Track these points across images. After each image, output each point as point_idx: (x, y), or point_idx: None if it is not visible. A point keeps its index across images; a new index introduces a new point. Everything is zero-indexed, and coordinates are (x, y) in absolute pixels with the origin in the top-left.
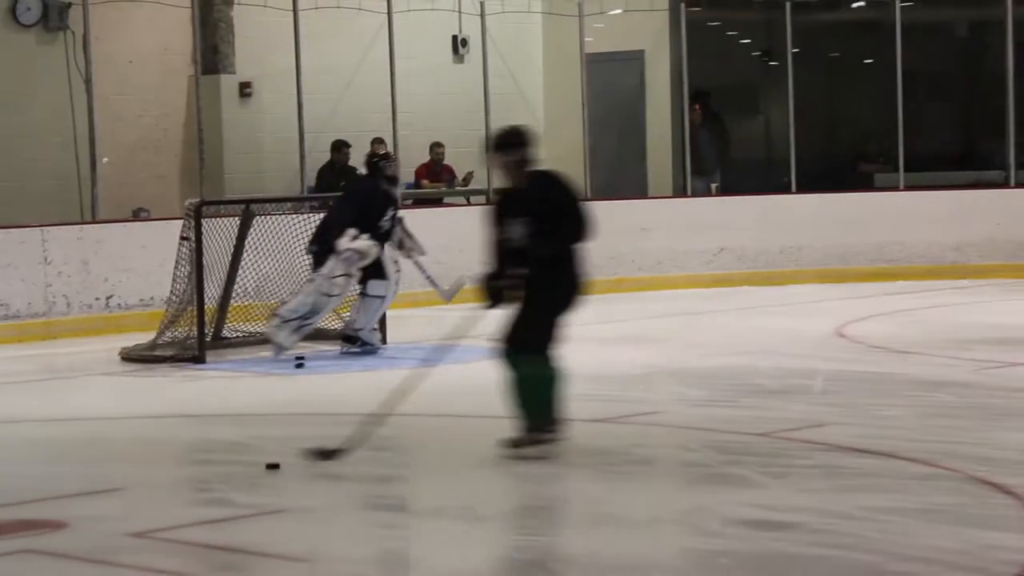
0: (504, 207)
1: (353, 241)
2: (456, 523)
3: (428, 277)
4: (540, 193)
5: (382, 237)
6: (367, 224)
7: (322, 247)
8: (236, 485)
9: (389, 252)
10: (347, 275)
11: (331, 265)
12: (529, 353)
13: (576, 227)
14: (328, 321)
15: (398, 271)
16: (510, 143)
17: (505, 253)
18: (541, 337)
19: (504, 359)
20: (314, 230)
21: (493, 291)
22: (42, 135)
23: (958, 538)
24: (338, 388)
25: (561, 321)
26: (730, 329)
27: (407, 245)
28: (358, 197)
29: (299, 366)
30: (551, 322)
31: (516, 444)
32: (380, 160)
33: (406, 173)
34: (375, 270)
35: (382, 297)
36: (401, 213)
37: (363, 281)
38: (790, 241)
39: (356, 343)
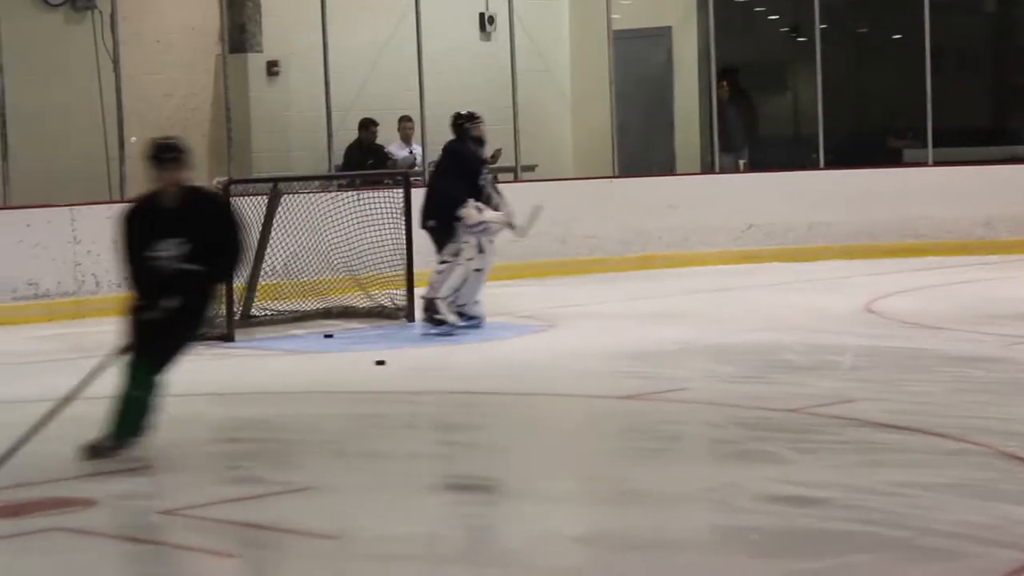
0: (148, 224)
1: (481, 213)
2: (485, 500)
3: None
4: (198, 213)
5: (479, 199)
6: (473, 188)
7: (441, 220)
8: (265, 463)
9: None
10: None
11: (463, 241)
12: (154, 372)
13: (234, 254)
14: (358, 299)
15: (491, 241)
16: (173, 158)
17: (152, 276)
18: (170, 359)
19: (131, 370)
20: (423, 203)
21: (139, 326)
22: (70, 115)
23: (988, 513)
24: (366, 366)
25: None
26: (758, 305)
27: (494, 201)
28: (458, 163)
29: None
30: (183, 346)
31: (96, 451)
32: (466, 122)
33: (432, 150)
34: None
35: (481, 270)
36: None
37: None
38: (818, 217)
39: (464, 317)
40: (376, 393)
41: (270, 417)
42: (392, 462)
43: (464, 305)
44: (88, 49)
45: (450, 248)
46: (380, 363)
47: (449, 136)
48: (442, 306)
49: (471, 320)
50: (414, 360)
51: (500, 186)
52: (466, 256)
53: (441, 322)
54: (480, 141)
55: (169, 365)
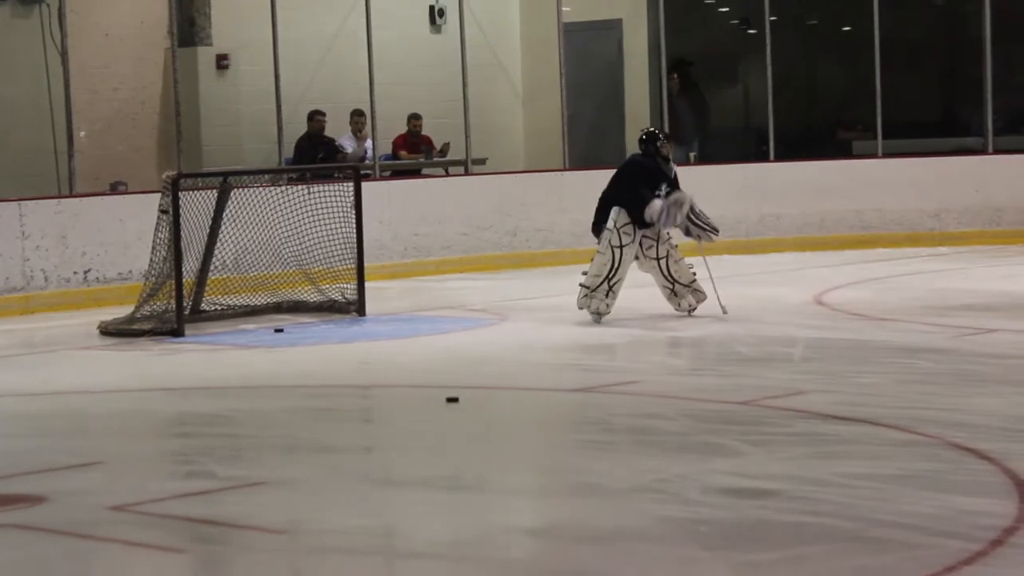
0: None
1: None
2: (438, 493)
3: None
4: None
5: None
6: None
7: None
8: (216, 458)
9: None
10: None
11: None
12: None
13: None
14: (308, 294)
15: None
16: None
17: None
18: None
19: None
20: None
21: None
22: (18, 109)
23: (936, 503)
24: (317, 360)
25: None
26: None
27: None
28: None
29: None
30: None
31: None
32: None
33: (383, 144)
34: None
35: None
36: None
37: None
38: (769, 209)
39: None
40: (328, 387)
41: (221, 412)
42: (345, 456)
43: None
44: (36, 42)
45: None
46: (452, 400)
47: (394, 130)
48: (580, 294)
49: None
50: (365, 354)
51: (455, 179)
52: (608, 240)
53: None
54: (668, 159)
55: None
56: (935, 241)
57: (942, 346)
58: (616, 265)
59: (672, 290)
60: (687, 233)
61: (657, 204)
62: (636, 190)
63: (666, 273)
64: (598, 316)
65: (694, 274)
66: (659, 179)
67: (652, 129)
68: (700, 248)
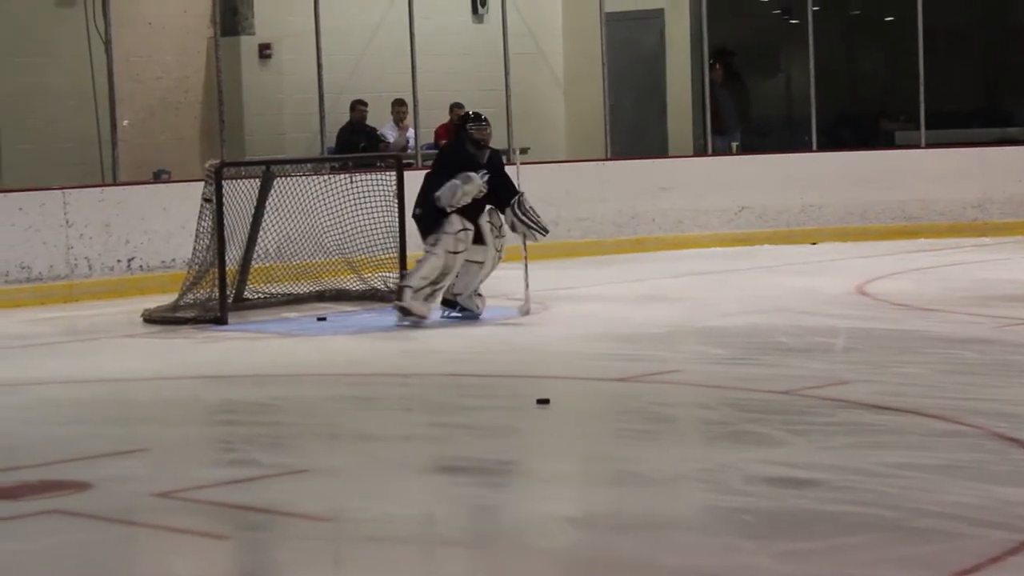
0: None
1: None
2: (478, 482)
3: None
4: None
5: (482, 201)
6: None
7: (424, 210)
8: (259, 445)
9: (489, 218)
10: (464, 229)
11: (443, 232)
12: None
13: None
14: (351, 282)
15: (500, 237)
16: None
17: None
18: None
19: None
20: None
21: None
22: (62, 97)
23: (979, 494)
24: (359, 348)
25: None
26: (751, 288)
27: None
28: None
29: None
30: None
31: None
32: (468, 123)
33: (425, 133)
34: (477, 236)
35: (481, 263)
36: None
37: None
38: (811, 199)
39: (456, 307)
40: (369, 376)
41: (264, 400)
42: (386, 444)
43: (459, 295)
44: (80, 32)
45: (431, 238)
46: (543, 401)
47: (436, 119)
48: (407, 294)
49: (465, 312)
50: (407, 343)
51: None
52: (445, 247)
53: (405, 311)
54: (478, 144)
55: None
56: (978, 231)
57: (985, 336)
58: (446, 272)
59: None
60: (513, 229)
61: (444, 187)
62: (438, 180)
63: (490, 269)
64: (416, 318)
65: (475, 294)
66: (467, 166)
67: (468, 111)
68: (522, 248)
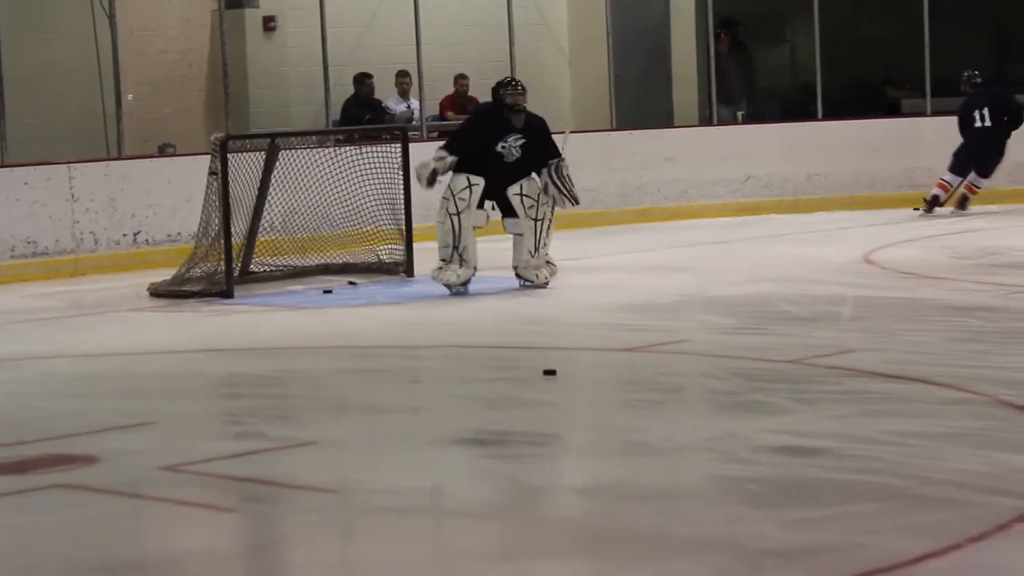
0: None
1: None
2: (486, 453)
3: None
4: None
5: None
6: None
7: None
8: (266, 418)
9: (521, 191)
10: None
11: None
12: None
13: None
14: (357, 255)
15: (534, 206)
16: None
17: None
18: None
19: None
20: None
21: None
22: (66, 71)
23: (987, 461)
24: (365, 321)
25: None
26: (757, 257)
27: None
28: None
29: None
30: None
31: None
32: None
33: (430, 105)
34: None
35: (522, 235)
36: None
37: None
38: (817, 168)
39: (521, 279)
40: (376, 348)
41: (270, 372)
42: (394, 416)
43: (516, 267)
44: (84, 5)
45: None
46: (550, 372)
47: (441, 91)
48: (434, 271)
49: (525, 283)
50: (413, 314)
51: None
52: (447, 209)
53: (446, 286)
54: (511, 108)
55: None
56: (985, 200)
57: (992, 304)
58: (457, 233)
59: (530, 260)
60: (545, 190)
61: (428, 157)
62: (458, 138)
63: (538, 237)
64: (450, 288)
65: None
66: (501, 130)
67: (507, 77)
68: (549, 211)
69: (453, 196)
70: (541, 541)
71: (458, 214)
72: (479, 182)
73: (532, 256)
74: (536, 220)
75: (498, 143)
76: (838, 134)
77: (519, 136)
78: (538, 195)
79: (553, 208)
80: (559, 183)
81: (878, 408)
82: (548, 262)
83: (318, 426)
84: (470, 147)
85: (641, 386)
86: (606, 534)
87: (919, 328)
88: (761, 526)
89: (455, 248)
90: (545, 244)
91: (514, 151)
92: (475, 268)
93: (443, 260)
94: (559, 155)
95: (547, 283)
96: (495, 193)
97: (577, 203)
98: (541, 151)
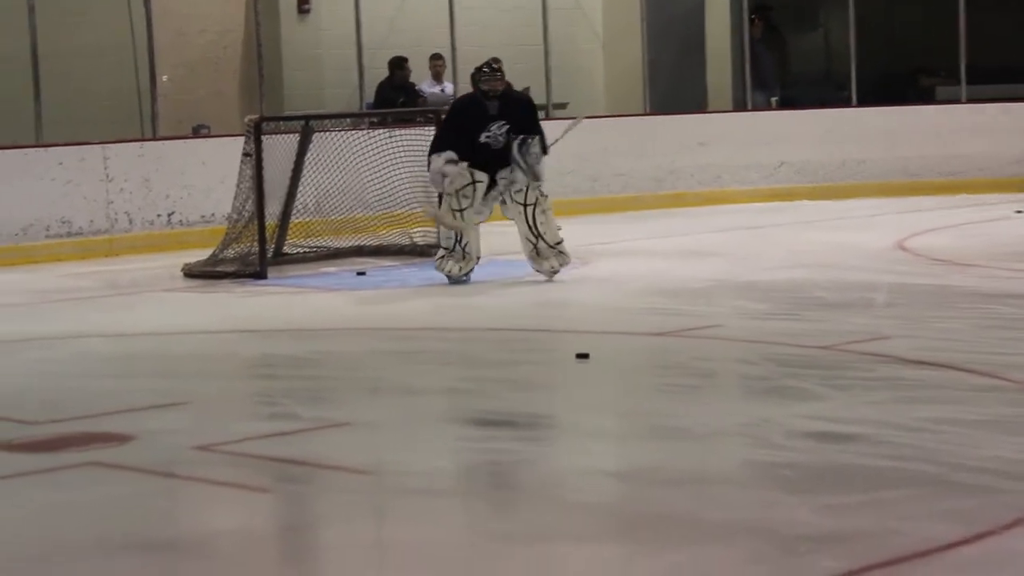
0: None
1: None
2: (519, 436)
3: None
4: None
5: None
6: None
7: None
8: (299, 399)
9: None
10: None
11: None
12: None
13: None
14: (390, 237)
15: (520, 192)
16: None
17: None
18: None
19: None
20: None
21: None
22: (101, 52)
23: (1020, 448)
24: (399, 302)
25: None
26: (791, 243)
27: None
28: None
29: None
30: None
31: None
32: (480, 74)
33: (463, 88)
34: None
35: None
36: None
37: None
38: (851, 155)
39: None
40: (408, 330)
41: (304, 353)
42: (427, 398)
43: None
44: None
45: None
46: (583, 356)
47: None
48: (436, 261)
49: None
50: (446, 297)
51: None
52: (449, 205)
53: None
54: (486, 94)
55: None
56: (1018, 187)
57: None
58: (459, 230)
59: (535, 247)
60: (511, 161)
61: (435, 164)
62: (443, 136)
63: (531, 223)
64: (451, 278)
65: (561, 235)
66: (483, 120)
67: (484, 62)
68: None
69: (456, 193)
70: (574, 524)
71: (460, 211)
72: (483, 179)
73: (535, 242)
74: (525, 205)
75: (481, 135)
76: (872, 121)
77: (502, 123)
78: (527, 180)
79: (510, 172)
80: (519, 157)
81: (911, 395)
82: (561, 251)
83: (351, 407)
84: (455, 143)
85: (674, 371)
86: (640, 518)
87: (952, 315)
88: (795, 511)
89: (457, 241)
90: (546, 231)
91: (500, 138)
92: (478, 258)
93: (445, 249)
94: (539, 133)
95: (554, 273)
96: (491, 182)
97: (537, 180)
98: (525, 132)
